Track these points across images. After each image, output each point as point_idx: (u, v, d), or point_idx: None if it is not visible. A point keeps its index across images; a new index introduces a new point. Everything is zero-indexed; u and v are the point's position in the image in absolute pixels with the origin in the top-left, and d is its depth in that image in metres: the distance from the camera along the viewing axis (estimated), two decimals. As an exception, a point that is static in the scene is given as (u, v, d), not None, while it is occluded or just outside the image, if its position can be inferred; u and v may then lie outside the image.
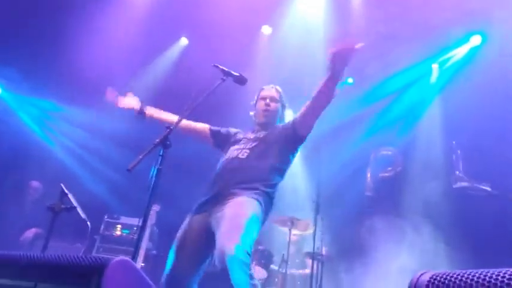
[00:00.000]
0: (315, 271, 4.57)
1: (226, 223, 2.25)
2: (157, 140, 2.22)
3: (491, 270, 0.90)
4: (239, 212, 2.31)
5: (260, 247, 5.18)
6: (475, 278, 0.88)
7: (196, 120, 3.01)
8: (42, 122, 7.07)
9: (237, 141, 2.81)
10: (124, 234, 5.57)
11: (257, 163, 2.58)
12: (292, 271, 5.22)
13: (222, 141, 2.94)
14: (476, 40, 5.68)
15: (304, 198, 5.55)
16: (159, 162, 2.23)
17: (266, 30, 6.36)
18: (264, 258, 5.10)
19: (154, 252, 5.60)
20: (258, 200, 2.43)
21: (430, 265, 4.45)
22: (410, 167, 6.10)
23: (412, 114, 6.37)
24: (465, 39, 5.78)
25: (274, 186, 2.61)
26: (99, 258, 1.17)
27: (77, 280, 1.16)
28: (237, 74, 2.80)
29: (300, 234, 5.34)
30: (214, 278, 2.14)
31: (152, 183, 2.19)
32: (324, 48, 5.85)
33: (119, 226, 5.60)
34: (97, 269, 1.12)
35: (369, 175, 6.77)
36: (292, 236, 4.95)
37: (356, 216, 5.75)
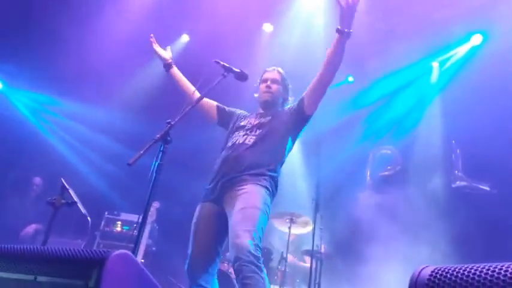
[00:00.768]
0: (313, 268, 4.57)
1: (239, 215, 2.32)
2: (158, 136, 2.22)
3: (493, 264, 0.91)
4: (250, 203, 2.37)
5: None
6: (477, 272, 0.88)
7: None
8: (43, 116, 7.07)
9: (242, 126, 2.83)
10: (124, 230, 5.59)
11: (263, 148, 2.62)
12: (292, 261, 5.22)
13: (227, 119, 3.00)
14: (477, 39, 5.68)
15: (304, 196, 5.55)
16: (159, 157, 2.23)
17: (267, 27, 6.35)
18: (262, 255, 5.09)
19: (154, 248, 5.61)
20: (266, 187, 2.50)
21: (430, 262, 4.45)
22: (409, 166, 6.10)
23: (412, 112, 6.37)
24: (466, 38, 5.78)
25: (278, 170, 2.68)
26: (100, 252, 1.17)
27: (77, 273, 1.17)
28: (238, 70, 2.81)
29: (299, 233, 5.33)
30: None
31: (152, 179, 2.19)
32: (323, 47, 5.89)
33: (119, 222, 5.61)
34: (97, 262, 1.12)
35: (368, 174, 6.77)
36: (291, 234, 4.95)
37: (355, 214, 5.75)
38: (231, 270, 4.75)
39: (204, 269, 2.46)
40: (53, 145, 6.92)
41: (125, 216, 5.67)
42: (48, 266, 1.29)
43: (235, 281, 3.24)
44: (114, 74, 6.31)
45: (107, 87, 6.42)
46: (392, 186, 6.09)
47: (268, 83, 2.92)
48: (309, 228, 5.01)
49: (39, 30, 5.89)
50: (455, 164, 5.89)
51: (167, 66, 3.05)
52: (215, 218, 2.51)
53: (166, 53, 3.10)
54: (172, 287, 5.03)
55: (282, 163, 2.72)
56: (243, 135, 2.71)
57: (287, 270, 4.90)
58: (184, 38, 6.62)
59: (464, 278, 0.89)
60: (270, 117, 2.81)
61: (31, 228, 5.43)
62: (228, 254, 2.58)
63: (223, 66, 2.75)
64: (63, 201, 2.96)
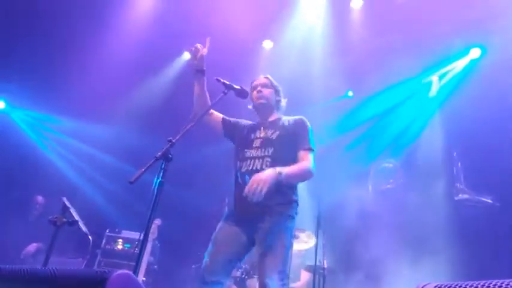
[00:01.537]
0: (316, 285, 4.53)
1: (268, 254, 2.44)
2: (159, 153, 2.22)
3: (494, 281, 0.90)
4: (280, 241, 2.48)
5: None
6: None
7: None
8: (45, 135, 7.10)
9: (251, 142, 2.85)
10: (125, 248, 5.55)
11: None
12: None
13: (232, 131, 3.03)
14: (475, 53, 5.72)
15: (306, 211, 5.52)
16: (160, 175, 2.23)
17: (267, 44, 6.43)
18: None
19: (155, 266, 5.57)
20: (292, 216, 2.62)
21: (432, 278, 4.41)
22: (411, 179, 6.08)
23: (412, 126, 6.38)
24: (465, 51, 5.83)
25: (297, 190, 2.78)
26: (100, 272, 1.17)
27: (78, 294, 1.16)
28: (238, 88, 2.84)
29: (302, 249, 5.29)
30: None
31: (154, 196, 2.19)
32: (323, 62, 5.96)
33: (121, 240, 5.58)
34: (98, 283, 1.12)
35: (370, 188, 6.74)
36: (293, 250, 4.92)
37: (358, 229, 5.71)
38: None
39: (218, 276, 2.56)
40: (55, 163, 6.93)
41: (126, 234, 5.65)
42: (50, 287, 1.28)
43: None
44: (115, 91, 6.36)
45: (108, 105, 6.47)
46: (395, 200, 6.07)
47: (259, 88, 2.97)
48: (312, 243, 4.98)
49: (40, 49, 5.96)
50: (457, 177, 5.87)
51: (203, 71, 2.97)
52: (238, 236, 2.59)
53: (202, 60, 2.98)
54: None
55: None
56: (258, 158, 2.72)
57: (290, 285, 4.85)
58: (186, 56, 6.70)
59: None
60: (276, 131, 2.83)
61: (32, 247, 5.40)
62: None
63: (224, 83, 2.78)
64: (64, 220, 2.97)
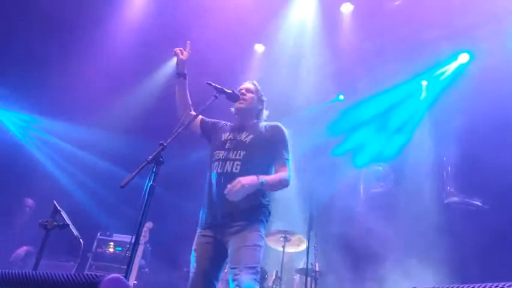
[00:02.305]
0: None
1: (239, 253, 2.48)
2: (150, 157, 2.23)
3: (482, 284, 0.91)
4: (250, 241, 2.52)
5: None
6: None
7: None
8: (35, 138, 7.05)
9: (223, 143, 2.86)
10: (117, 251, 5.53)
11: (252, 175, 2.62)
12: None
13: (209, 131, 3.05)
14: (464, 58, 5.80)
15: (297, 214, 5.55)
16: (152, 179, 2.24)
17: (259, 48, 6.46)
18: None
19: (147, 270, 5.55)
20: (262, 221, 2.64)
21: (421, 281, 4.46)
22: (401, 182, 6.14)
23: (402, 129, 6.45)
24: (453, 57, 5.91)
25: (269, 195, 2.77)
26: (92, 276, 1.18)
27: (70, 297, 1.17)
28: (230, 91, 2.87)
29: (293, 252, 5.31)
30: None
31: (145, 200, 2.20)
32: (314, 66, 6.00)
33: (112, 243, 5.56)
34: (90, 287, 1.13)
35: (361, 191, 6.80)
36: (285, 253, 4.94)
37: (349, 231, 5.75)
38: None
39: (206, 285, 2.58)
40: (45, 166, 6.89)
41: (117, 237, 5.62)
42: (40, 291, 1.29)
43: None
44: (106, 95, 6.35)
45: (99, 108, 6.45)
46: (385, 203, 6.12)
47: (243, 91, 2.98)
48: (303, 246, 5.01)
49: (32, 51, 5.93)
50: (447, 180, 5.94)
51: (184, 75, 3.03)
52: (215, 246, 2.61)
53: (184, 64, 3.04)
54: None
55: None
56: (229, 161, 2.72)
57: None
58: (176, 60, 6.69)
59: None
60: (250, 135, 2.83)
61: (22, 250, 5.36)
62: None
63: (216, 87, 2.80)
64: (55, 223, 2.94)
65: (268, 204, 2.72)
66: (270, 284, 5.06)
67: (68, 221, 3.01)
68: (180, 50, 2.99)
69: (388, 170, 6.61)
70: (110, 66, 6.07)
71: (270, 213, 2.74)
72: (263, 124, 2.95)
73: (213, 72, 4.85)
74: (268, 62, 6.24)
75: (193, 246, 2.68)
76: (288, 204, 5.87)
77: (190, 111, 3.00)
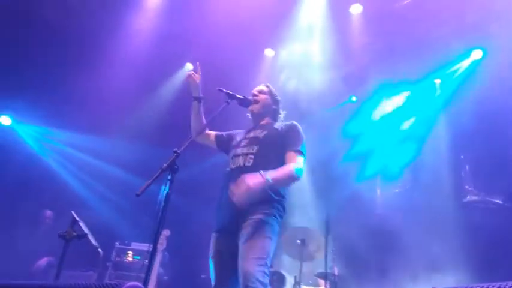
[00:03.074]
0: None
1: (247, 244, 2.41)
2: (165, 165, 2.24)
3: (497, 284, 0.91)
4: (258, 233, 2.44)
5: (271, 269, 5.12)
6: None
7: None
8: (52, 150, 7.17)
9: (239, 143, 2.87)
10: (135, 260, 5.56)
11: (264, 170, 2.56)
12: None
13: (225, 144, 3.05)
14: (477, 54, 5.72)
15: (314, 218, 5.51)
16: (167, 186, 2.25)
17: (269, 52, 6.48)
18: (275, 280, 5.05)
19: (166, 277, 5.57)
20: (273, 215, 2.55)
21: (442, 282, 4.38)
22: (419, 183, 6.05)
23: (418, 129, 6.37)
24: (467, 53, 5.82)
25: (285, 191, 2.69)
26: (111, 285, 1.19)
27: (90, 306, 1.18)
28: (241, 97, 2.88)
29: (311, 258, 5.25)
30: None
31: (161, 208, 2.21)
32: (325, 68, 5.99)
33: (130, 252, 5.59)
34: (108, 294, 1.14)
35: (378, 192, 6.72)
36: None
37: (366, 235, 5.69)
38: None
39: None
40: (63, 178, 6.99)
41: (135, 245, 5.66)
42: (61, 300, 1.30)
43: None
44: (120, 104, 6.43)
45: (114, 118, 6.53)
46: (403, 204, 6.05)
47: (255, 92, 3.01)
48: (319, 255, 4.95)
49: (46, 64, 6.03)
50: (465, 179, 5.85)
51: (199, 98, 3.03)
52: (230, 249, 2.53)
53: (197, 86, 3.03)
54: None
55: None
56: (242, 155, 2.72)
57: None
58: (188, 67, 6.76)
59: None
60: (264, 131, 2.84)
61: (43, 261, 5.45)
62: None
63: (227, 93, 2.82)
64: (74, 233, 2.99)
65: (281, 200, 2.63)
66: (289, 288, 5.03)
67: (86, 231, 3.06)
68: (193, 74, 2.99)
69: (405, 171, 6.52)
70: (123, 75, 6.15)
71: (284, 209, 2.66)
72: (279, 124, 2.96)
73: (224, 79, 4.88)
74: (278, 67, 6.24)
75: (210, 254, 2.65)
76: (305, 208, 5.85)
77: (205, 131, 3.04)
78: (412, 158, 6.27)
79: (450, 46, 5.55)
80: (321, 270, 4.76)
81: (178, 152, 2.31)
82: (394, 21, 5.41)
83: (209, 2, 5.66)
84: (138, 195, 2.10)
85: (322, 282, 5.03)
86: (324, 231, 4.70)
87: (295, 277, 4.97)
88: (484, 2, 4.97)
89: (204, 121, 3.02)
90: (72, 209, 3.20)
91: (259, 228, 2.45)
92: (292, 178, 2.58)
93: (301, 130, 2.85)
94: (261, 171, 2.44)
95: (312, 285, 5.31)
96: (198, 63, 3.08)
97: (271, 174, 2.45)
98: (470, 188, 5.73)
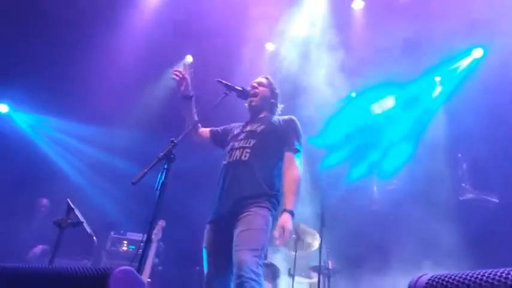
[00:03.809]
0: (321, 285, 4.53)
1: (241, 236, 2.42)
2: (162, 154, 2.24)
3: (488, 270, 0.92)
4: (252, 225, 2.45)
5: (265, 261, 5.15)
6: (473, 278, 0.90)
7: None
8: (48, 138, 7.15)
9: (236, 136, 2.87)
10: (130, 249, 5.58)
11: (261, 164, 2.64)
12: (300, 279, 5.17)
13: (222, 139, 3.03)
14: (478, 53, 5.71)
15: (309, 210, 5.52)
16: (163, 176, 2.25)
17: (270, 46, 6.46)
18: (270, 272, 5.06)
19: (160, 267, 5.59)
20: (267, 208, 2.56)
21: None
22: (415, 180, 6.07)
23: (416, 127, 6.38)
24: (467, 52, 5.82)
25: (278, 186, 2.70)
26: (102, 269, 1.19)
27: (82, 290, 1.19)
28: (240, 88, 2.88)
29: (305, 250, 5.27)
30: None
31: (157, 197, 2.21)
32: (325, 64, 5.97)
33: (125, 242, 5.61)
34: (100, 279, 1.14)
35: (375, 188, 6.74)
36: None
37: (362, 229, 5.71)
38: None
39: (221, 283, 2.56)
40: (59, 166, 6.98)
41: (130, 235, 5.67)
42: (53, 285, 1.31)
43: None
44: (118, 94, 6.41)
45: (111, 106, 6.51)
46: (398, 199, 6.07)
47: (255, 84, 2.99)
48: (316, 245, 4.98)
49: (44, 51, 5.99)
50: (462, 177, 5.86)
51: (189, 97, 2.94)
52: (224, 240, 2.54)
53: (188, 86, 2.94)
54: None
55: (281, 177, 2.72)
56: (239, 149, 2.73)
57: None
58: (188, 59, 6.74)
59: (460, 284, 0.91)
60: (262, 125, 2.84)
61: (38, 249, 5.45)
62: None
63: (226, 84, 2.81)
64: (69, 221, 2.98)
65: (276, 194, 2.65)
66: (283, 281, 5.05)
67: (81, 219, 3.05)
68: (180, 72, 2.88)
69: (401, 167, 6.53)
70: (122, 63, 6.12)
71: (278, 203, 2.67)
72: (276, 117, 2.95)
73: (224, 72, 4.87)
74: (279, 61, 6.22)
75: (204, 244, 2.66)
76: (300, 201, 5.84)
77: (198, 129, 3.03)
78: (409, 155, 6.29)
79: (452, 44, 5.54)
80: (316, 263, 4.79)
81: (175, 141, 2.30)
82: (396, 17, 5.39)
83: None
84: (133, 184, 2.10)
85: (315, 275, 5.07)
86: (318, 224, 4.72)
87: (289, 269, 4.99)
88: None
89: (196, 117, 2.96)
90: (68, 197, 3.19)
91: (253, 220, 2.47)
92: (299, 185, 2.63)
93: (299, 126, 2.86)
94: (286, 210, 2.48)
95: (306, 278, 5.35)
96: (186, 62, 3.04)
97: (289, 205, 2.52)
98: (466, 186, 5.75)
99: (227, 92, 2.78)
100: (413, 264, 4.81)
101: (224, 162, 2.77)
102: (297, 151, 2.73)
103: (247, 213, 2.50)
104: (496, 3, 4.98)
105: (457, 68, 6.00)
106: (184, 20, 5.96)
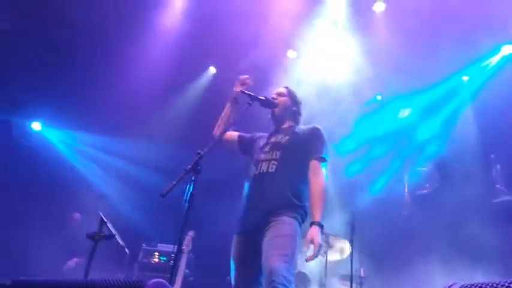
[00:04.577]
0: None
1: (271, 243, 2.43)
2: (189, 166, 2.27)
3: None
4: (282, 232, 2.46)
5: (296, 271, 5.10)
6: (504, 287, 0.87)
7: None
8: (80, 153, 7.35)
9: (261, 148, 2.88)
10: (162, 261, 5.63)
11: (287, 176, 2.65)
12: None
13: (248, 147, 3.05)
14: (507, 49, 5.56)
15: (338, 218, 5.45)
16: (191, 187, 2.28)
17: (292, 54, 6.46)
18: (300, 282, 5.02)
19: (191, 278, 5.61)
20: (296, 218, 2.56)
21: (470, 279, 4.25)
22: (447, 182, 5.92)
23: (446, 128, 6.23)
24: (496, 49, 5.66)
25: (306, 196, 2.69)
26: (136, 281, 1.21)
27: (116, 303, 1.21)
28: (263, 98, 2.89)
29: (336, 259, 5.20)
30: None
31: (185, 209, 2.24)
32: (349, 68, 5.93)
33: (157, 253, 5.66)
34: (134, 291, 1.16)
35: (406, 192, 6.60)
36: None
37: (393, 236, 5.59)
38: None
39: None
40: (89, 180, 7.13)
41: (161, 247, 5.73)
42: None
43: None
44: (145, 107, 6.54)
45: (140, 120, 6.65)
46: (431, 204, 5.93)
47: (274, 95, 3.01)
48: (347, 253, 4.91)
49: (72, 68, 6.18)
50: (496, 178, 5.68)
51: (237, 100, 3.07)
52: (252, 251, 2.55)
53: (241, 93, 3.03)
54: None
55: (308, 185, 2.70)
56: (265, 161, 2.74)
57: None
58: (212, 71, 6.83)
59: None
60: (286, 136, 2.84)
61: (73, 262, 5.58)
62: None
63: (249, 95, 2.83)
64: (102, 234, 3.06)
65: (303, 206, 2.65)
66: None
67: (113, 232, 3.13)
68: (249, 79, 3.04)
69: (433, 170, 6.39)
70: (150, 76, 6.25)
71: (306, 214, 2.67)
72: (301, 127, 2.96)
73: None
74: (301, 68, 6.21)
75: (231, 254, 2.67)
76: (328, 206, 5.78)
77: (229, 130, 3.04)
78: (436, 155, 6.16)
79: (478, 42, 5.40)
80: (347, 272, 4.71)
81: (202, 153, 2.33)
82: (418, 18, 5.29)
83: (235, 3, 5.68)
84: (162, 196, 2.14)
85: (347, 284, 4.98)
86: (349, 232, 4.67)
87: (320, 279, 4.94)
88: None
89: (231, 121, 3.03)
90: (98, 210, 3.27)
91: (282, 228, 2.47)
92: (325, 195, 2.62)
93: (324, 134, 2.85)
94: (315, 223, 2.47)
95: (338, 287, 5.27)
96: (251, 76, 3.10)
97: (316, 216, 2.51)
98: (501, 188, 5.56)
99: (250, 102, 2.80)
100: (447, 270, 4.67)
101: (251, 174, 2.78)
102: (322, 159, 2.72)
103: (274, 222, 2.51)
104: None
105: (486, 66, 5.84)
106: (208, 31, 6.02)
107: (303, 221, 2.65)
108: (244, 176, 2.88)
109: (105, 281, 1.27)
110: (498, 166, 5.71)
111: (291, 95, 3.05)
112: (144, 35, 6.17)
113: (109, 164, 7.17)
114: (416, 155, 6.53)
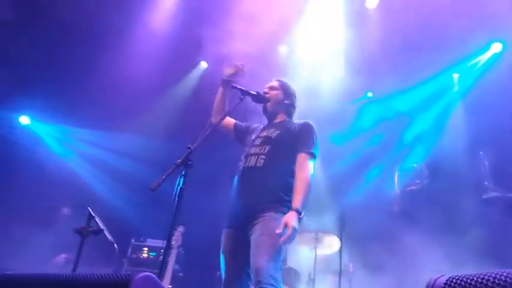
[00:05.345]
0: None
1: (258, 240, 2.44)
2: (179, 160, 2.25)
3: (507, 270, 0.90)
4: (269, 229, 2.44)
5: (286, 266, 5.11)
6: (491, 278, 0.88)
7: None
8: (68, 148, 7.27)
9: (252, 141, 2.87)
10: (151, 256, 5.61)
11: (275, 170, 2.64)
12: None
13: (242, 135, 3.07)
14: (497, 47, 5.59)
15: (328, 213, 5.46)
16: (181, 182, 2.26)
17: (283, 49, 6.44)
18: (290, 277, 5.03)
19: (181, 274, 5.60)
20: (284, 213, 2.53)
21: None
22: (437, 179, 5.96)
23: (435, 125, 6.28)
24: (486, 47, 5.70)
25: (290, 189, 2.67)
26: (123, 275, 1.19)
27: (103, 297, 1.19)
28: (255, 93, 2.88)
29: (325, 253, 5.23)
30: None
31: (175, 203, 2.22)
32: (340, 64, 5.92)
33: (146, 249, 5.64)
34: (121, 285, 1.14)
35: (396, 189, 6.64)
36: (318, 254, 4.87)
37: (382, 231, 5.62)
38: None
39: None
40: (78, 174, 7.06)
41: (151, 242, 5.71)
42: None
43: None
44: (134, 101, 6.49)
45: (129, 114, 6.59)
46: (420, 200, 5.97)
47: (266, 90, 2.99)
48: (336, 247, 4.93)
49: (61, 61, 6.10)
50: (485, 175, 5.74)
51: (227, 85, 3.01)
52: (241, 245, 2.56)
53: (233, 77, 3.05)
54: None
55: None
56: (254, 155, 2.73)
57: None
58: (203, 65, 6.79)
59: (478, 284, 0.89)
60: (277, 131, 2.83)
61: (61, 257, 5.53)
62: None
63: (241, 89, 2.82)
64: (90, 229, 3.03)
65: (291, 200, 2.60)
66: (303, 285, 5.01)
67: (102, 227, 3.10)
68: (242, 64, 3.03)
69: (423, 167, 6.44)
70: (140, 70, 6.20)
71: None
72: (293, 122, 2.95)
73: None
74: (292, 63, 6.20)
75: (221, 249, 2.67)
76: (318, 204, 5.81)
77: (225, 119, 3.00)
78: (427, 154, 6.20)
79: (469, 39, 5.43)
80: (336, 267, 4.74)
81: (192, 147, 2.32)
82: (410, 14, 5.30)
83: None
84: (152, 190, 2.13)
85: (336, 279, 5.01)
86: (338, 227, 4.69)
87: (309, 274, 4.95)
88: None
89: (227, 108, 3.01)
90: (88, 205, 3.24)
91: (269, 224, 2.47)
92: (310, 188, 2.59)
93: (314, 130, 2.83)
94: (292, 209, 2.44)
95: (327, 282, 5.29)
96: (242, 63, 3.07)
97: (296, 203, 2.47)
98: (489, 184, 5.62)
99: (242, 97, 2.79)
100: (434, 265, 4.71)
101: (239, 167, 2.78)
102: (311, 154, 2.70)
103: (262, 218, 2.51)
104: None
105: (476, 64, 5.88)
106: (200, 27, 5.98)
107: None
108: (234, 169, 2.87)
109: (92, 275, 1.25)
110: (486, 162, 5.76)
111: (283, 87, 3.02)
112: (134, 29, 6.11)
113: (98, 158, 7.09)
114: (407, 152, 6.57)
